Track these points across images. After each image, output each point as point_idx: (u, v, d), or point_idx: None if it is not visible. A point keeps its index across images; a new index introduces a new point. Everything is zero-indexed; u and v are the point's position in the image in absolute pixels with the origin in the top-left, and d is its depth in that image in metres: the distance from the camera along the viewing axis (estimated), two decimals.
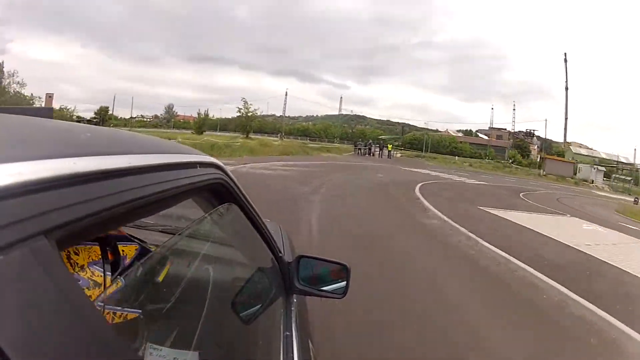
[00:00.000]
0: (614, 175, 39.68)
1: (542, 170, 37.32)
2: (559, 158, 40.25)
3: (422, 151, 41.81)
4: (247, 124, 33.11)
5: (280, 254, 1.08)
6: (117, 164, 0.40)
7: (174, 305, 0.63)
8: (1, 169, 0.28)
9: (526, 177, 33.39)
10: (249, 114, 33.51)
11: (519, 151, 43.22)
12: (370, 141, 36.16)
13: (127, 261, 0.75)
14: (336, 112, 57.27)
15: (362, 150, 32.45)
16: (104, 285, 0.60)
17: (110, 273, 0.65)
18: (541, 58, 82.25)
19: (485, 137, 47.39)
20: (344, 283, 1.10)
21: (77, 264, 0.58)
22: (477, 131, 50.05)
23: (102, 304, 0.53)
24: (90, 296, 0.57)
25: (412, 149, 42.46)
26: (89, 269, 0.60)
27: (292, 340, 0.96)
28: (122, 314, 0.56)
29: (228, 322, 0.80)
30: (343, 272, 1.11)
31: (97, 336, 0.31)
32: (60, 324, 0.28)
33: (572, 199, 18.30)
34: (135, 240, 0.82)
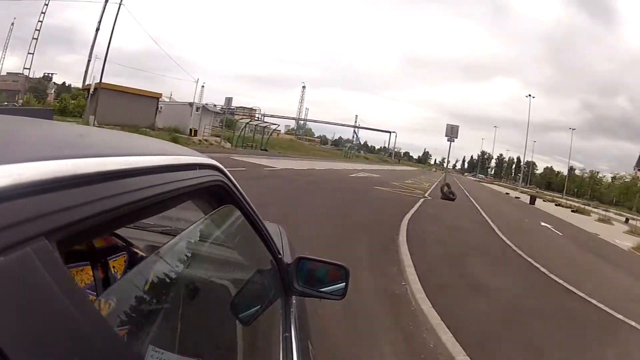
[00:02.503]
0: None
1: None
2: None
3: None
4: None
5: (279, 256, 1.09)
6: (117, 165, 0.40)
7: (173, 306, 0.63)
8: (1, 170, 0.28)
9: None
10: None
11: (35, 95, 36.00)
12: None
13: (119, 275, 0.75)
14: None
15: None
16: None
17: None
18: None
19: None
20: (343, 284, 1.10)
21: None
22: None
23: (102, 305, 0.53)
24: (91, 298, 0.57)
25: None
26: None
27: (292, 342, 0.96)
28: (121, 315, 0.56)
29: (228, 323, 0.80)
30: (342, 273, 1.11)
31: (98, 338, 0.31)
32: (61, 325, 0.28)
33: None
34: (123, 243, 0.82)
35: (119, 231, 0.86)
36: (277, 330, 0.98)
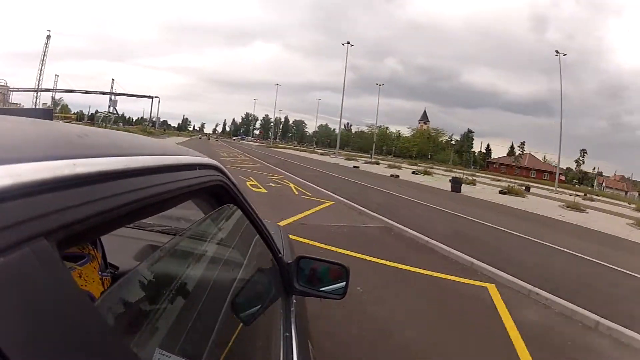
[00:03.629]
0: None
1: None
2: None
3: None
4: None
5: (279, 255, 1.09)
6: (116, 165, 0.40)
7: (173, 306, 0.63)
8: (1, 171, 0.28)
9: None
10: None
11: None
12: None
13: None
14: None
15: None
16: (96, 256, 0.61)
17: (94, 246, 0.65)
18: None
19: None
20: (343, 283, 1.10)
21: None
22: None
23: (102, 306, 0.53)
24: (91, 298, 0.57)
25: None
26: (86, 246, 0.61)
27: (292, 341, 0.96)
28: (121, 315, 0.56)
29: (228, 323, 0.81)
30: (342, 272, 1.11)
31: (98, 338, 0.31)
32: (61, 325, 0.28)
33: None
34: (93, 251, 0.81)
35: (119, 231, 0.86)
36: (278, 330, 0.98)
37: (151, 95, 73.95)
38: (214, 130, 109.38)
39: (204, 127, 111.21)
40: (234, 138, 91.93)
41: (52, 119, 0.65)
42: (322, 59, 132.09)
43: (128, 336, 0.51)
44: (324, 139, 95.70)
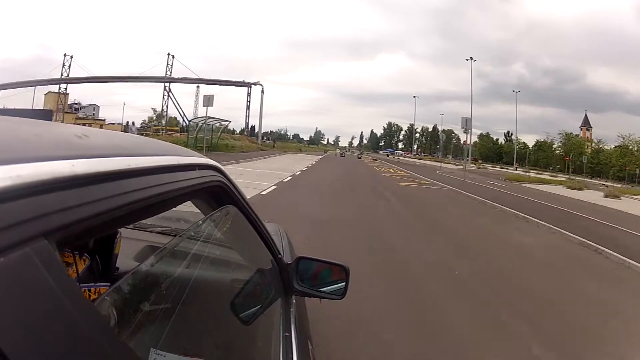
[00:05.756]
0: None
1: None
2: None
3: None
4: None
5: (279, 255, 1.09)
6: (116, 166, 0.40)
7: (173, 307, 0.63)
8: (1, 171, 0.28)
9: None
10: None
11: None
12: None
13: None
14: None
15: None
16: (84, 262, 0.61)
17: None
18: None
19: None
20: (343, 284, 1.10)
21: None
22: None
23: (102, 306, 0.53)
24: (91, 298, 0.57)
25: None
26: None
27: (292, 342, 0.96)
28: (121, 315, 0.56)
29: (228, 323, 0.81)
30: (342, 273, 1.11)
31: (98, 338, 0.31)
32: (61, 325, 0.28)
33: None
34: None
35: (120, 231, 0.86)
36: (277, 330, 0.98)
37: (249, 82, 53.20)
38: (350, 143, 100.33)
39: (338, 141, 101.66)
40: (380, 152, 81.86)
41: (51, 119, 0.65)
42: (448, 68, 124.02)
43: (128, 337, 0.51)
44: (486, 151, 78.26)
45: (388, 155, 72.01)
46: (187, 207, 0.78)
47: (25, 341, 0.25)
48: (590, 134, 69.61)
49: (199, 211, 0.83)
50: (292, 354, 0.92)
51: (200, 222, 0.75)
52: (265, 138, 65.69)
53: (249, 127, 61.31)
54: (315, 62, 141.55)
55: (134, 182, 0.42)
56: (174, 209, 0.63)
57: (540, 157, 70.41)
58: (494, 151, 77.73)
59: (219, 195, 0.76)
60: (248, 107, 57.89)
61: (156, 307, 0.59)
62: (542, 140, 71.84)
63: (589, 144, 67.89)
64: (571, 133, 66.78)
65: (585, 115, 71.35)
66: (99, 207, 0.35)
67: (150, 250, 1.13)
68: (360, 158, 44.53)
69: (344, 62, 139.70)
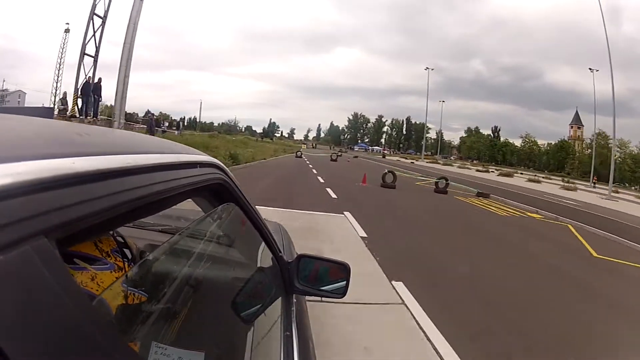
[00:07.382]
0: None
1: None
2: None
3: None
4: None
5: (280, 254, 1.08)
6: (116, 163, 0.40)
7: (173, 305, 0.63)
8: (1, 169, 0.28)
9: None
10: None
11: None
12: None
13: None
14: None
15: None
16: (125, 270, 0.60)
17: (126, 260, 0.64)
18: None
19: None
20: (343, 282, 1.10)
21: (103, 250, 0.58)
22: None
23: (102, 304, 0.53)
24: (90, 296, 0.56)
25: None
26: (113, 255, 0.60)
27: (292, 340, 0.96)
28: (121, 313, 0.56)
29: (228, 321, 0.80)
30: (343, 271, 1.11)
31: (98, 336, 0.31)
32: (61, 323, 0.28)
33: None
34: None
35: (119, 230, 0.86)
36: (278, 329, 0.98)
37: None
38: (306, 136, 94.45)
39: (293, 133, 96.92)
40: (355, 148, 73.46)
41: (52, 117, 0.65)
42: (405, 62, 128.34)
43: (128, 335, 0.51)
44: (484, 149, 73.02)
45: (365, 151, 66.31)
46: (188, 205, 0.78)
47: (26, 339, 0.25)
48: (582, 131, 66.58)
49: (199, 209, 0.83)
50: (292, 353, 0.92)
51: (201, 220, 0.74)
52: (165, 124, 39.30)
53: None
54: (271, 55, 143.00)
55: (134, 179, 0.42)
56: (175, 207, 0.63)
57: (557, 158, 64.59)
58: (492, 149, 73.66)
59: (219, 193, 0.76)
60: None
61: (156, 306, 0.59)
62: (561, 139, 66.07)
63: (580, 142, 64.48)
64: (604, 133, 54.12)
65: (577, 112, 68.32)
66: (99, 205, 0.35)
67: (151, 248, 1.12)
68: (335, 160, 27.81)
69: (300, 55, 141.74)
